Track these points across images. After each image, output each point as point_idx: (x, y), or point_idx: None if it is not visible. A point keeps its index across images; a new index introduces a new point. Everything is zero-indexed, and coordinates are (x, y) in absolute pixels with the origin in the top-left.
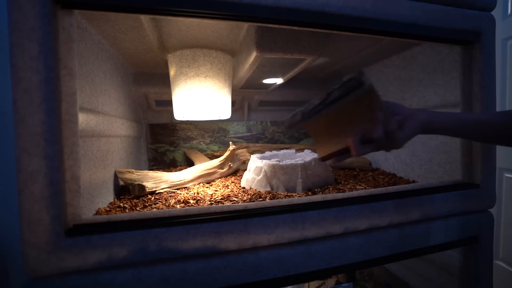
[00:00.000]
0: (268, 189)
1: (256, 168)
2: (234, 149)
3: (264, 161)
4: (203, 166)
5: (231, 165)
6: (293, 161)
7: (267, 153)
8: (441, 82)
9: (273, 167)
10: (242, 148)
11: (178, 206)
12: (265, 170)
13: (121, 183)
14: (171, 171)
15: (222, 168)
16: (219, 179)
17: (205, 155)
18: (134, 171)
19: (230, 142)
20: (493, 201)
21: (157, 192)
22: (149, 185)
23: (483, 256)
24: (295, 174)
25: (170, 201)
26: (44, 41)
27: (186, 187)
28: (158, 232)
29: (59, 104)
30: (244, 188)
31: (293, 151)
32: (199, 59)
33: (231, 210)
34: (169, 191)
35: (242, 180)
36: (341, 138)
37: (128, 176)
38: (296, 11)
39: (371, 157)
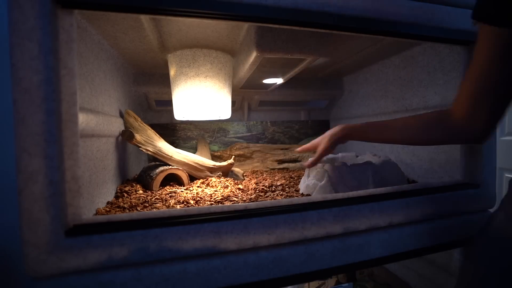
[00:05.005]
0: None
1: (318, 172)
2: (232, 164)
3: (327, 164)
4: (198, 158)
5: (221, 175)
6: (362, 163)
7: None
8: (441, 82)
9: (339, 171)
10: (243, 149)
11: (178, 206)
12: (329, 175)
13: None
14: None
15: (211, 173)
16: (218, 180)
17: None
18: (139, 119)
19: (233, 156)
20: (493, 201)
21: (140, 149)
22: (138, 138)
23: None
24: (365, 179)
25: (170, 201)
26: (44, 41)
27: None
28: (158, 232)
29: (59, 104)
30: (242, 189)
31: (353, 153)
32: (199, 59)
33: (231, 210)
34: (170, 191)
35: (300, 185)
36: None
37: (131, 121)
38: (296, 11)
39: None
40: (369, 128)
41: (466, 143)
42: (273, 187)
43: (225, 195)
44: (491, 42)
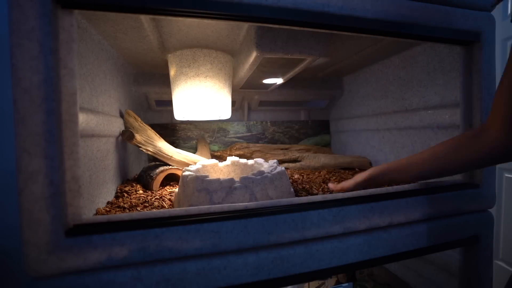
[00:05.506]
0: None
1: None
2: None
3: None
4: (198, 158)
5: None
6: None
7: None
8: (441, 82)
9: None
10: (243, 149)
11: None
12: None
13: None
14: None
15: None
16: None
17: None
18: (139, 119)
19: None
20: (493, 201)
21: (140, 149)
22: (138, 138)
23: (483, 256)
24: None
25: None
26: (44, 41)
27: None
28: (158, 232)
29: (59, 104)
30: None
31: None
32: (199, 59)
33: (231, 210)
34: (170, 191)
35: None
36: None
37: (131, 121)
38: (296, 11)
39: (372, 157)
40: (393, 172)
41: (503, 161)
42: None
43: None
44: None
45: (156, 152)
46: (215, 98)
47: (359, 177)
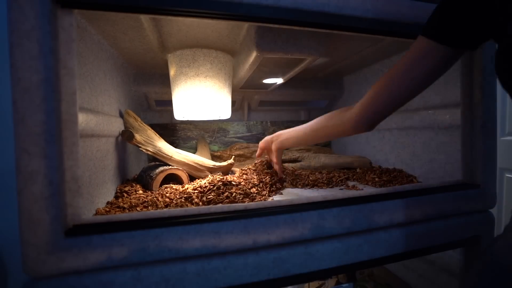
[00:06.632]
0: None
1: None
2: (232, 164)
3: None
4: (198, 158)
5: (221, 175)
6: None
7: None
8: (441, 82)
9: None
10: (243, 149)
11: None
12: None
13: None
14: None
15: (211, 173)
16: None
17: None
18: (139, 119)
19: (233, 156)
20: (494, 201)
21: (140, 149)
22: (138, 138)
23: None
24: None
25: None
26: (44, 41)
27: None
28: (158, 232)
29: (59, 104)
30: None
31: None
32: (199, 59)
33: (231, 210)
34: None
35: None
36: None
37: (131, 121)
38: (296, 11)
39: (372, 156)
40: (292, 142)
41: (351, 134)
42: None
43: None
44: (429, 53)
45: (156, 152)
46: (215, 98)
47: (272, 157)
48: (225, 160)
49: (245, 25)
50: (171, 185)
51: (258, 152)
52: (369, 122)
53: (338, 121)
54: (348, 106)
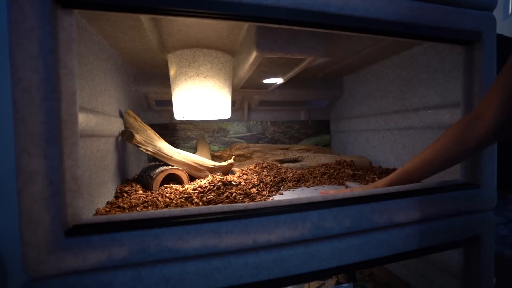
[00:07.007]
0: None
1: None
2: (232, 164)
3: None
4: (198, 158)
5: (221, 175)
6: None
7: None
8: (441, 82)
9: None
10: (243, 149)
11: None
12: None
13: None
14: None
15: (211, 173)
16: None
17: None
18: (139, 119)
19: (233, 156)
20: (494, 202)
21: (140, 149)
22: (138, 138)
23: (484, 257)
24: None
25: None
26: (43, 41)
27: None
28: (158, 232)
29: (59, 104)
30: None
31: None
32: (199, 59)
33: (231, 210)
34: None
35: None
36: None
37: (131, 121)
38: (296, 11)
39: (372, 156)
40: (411, 174)
41: (494, 142)
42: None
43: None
44: None
45: (156, 152)
46: (215, 98)
47: (380, 183)
48: (225, 160)
49: (245, 25)
50: (171, 185)
51: None
52: None
53: (467, 140)
54: (462, 118)
